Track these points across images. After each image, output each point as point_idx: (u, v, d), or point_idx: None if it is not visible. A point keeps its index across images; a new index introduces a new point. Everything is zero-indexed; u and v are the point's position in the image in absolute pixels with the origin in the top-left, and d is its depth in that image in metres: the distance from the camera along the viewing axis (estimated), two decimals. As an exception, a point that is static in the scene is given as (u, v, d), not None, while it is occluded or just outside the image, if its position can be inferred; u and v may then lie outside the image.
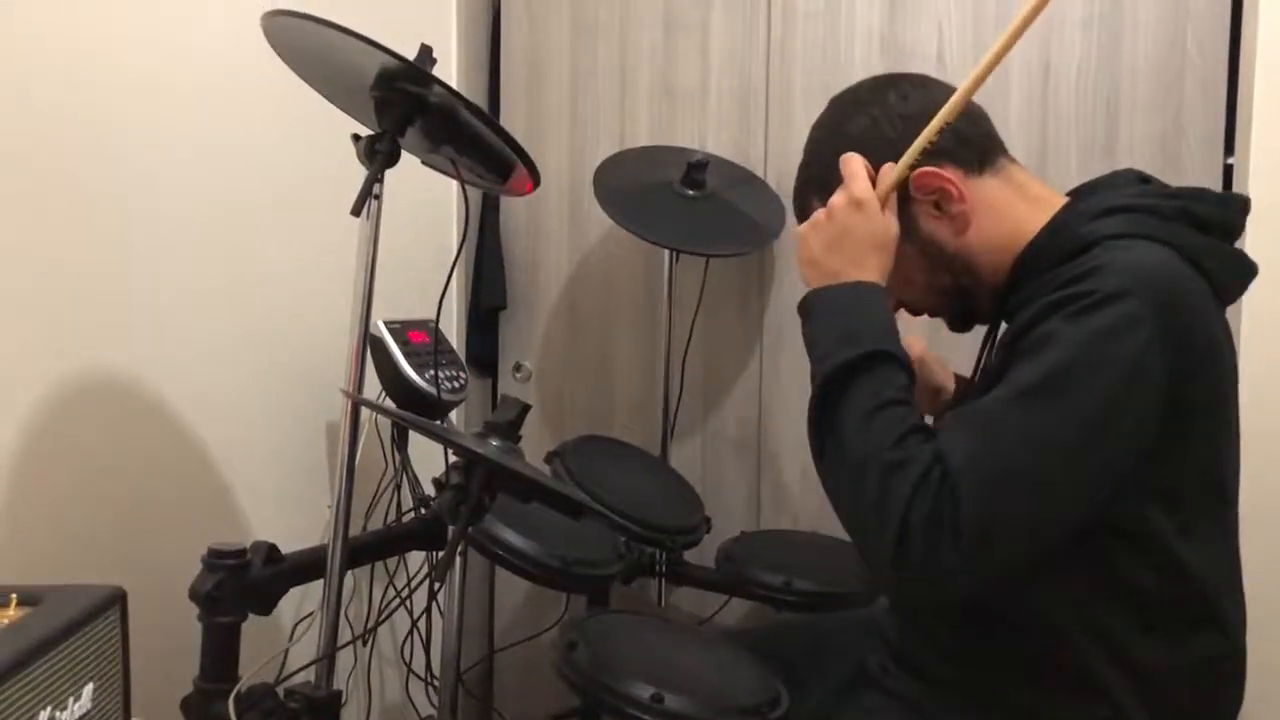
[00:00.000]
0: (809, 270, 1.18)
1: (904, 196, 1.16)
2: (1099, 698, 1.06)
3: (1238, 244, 1.14)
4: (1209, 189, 1.15)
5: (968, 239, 1.17)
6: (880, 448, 1.02)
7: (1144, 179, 1.18)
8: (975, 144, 1.17)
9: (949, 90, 1.15)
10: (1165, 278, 1.02)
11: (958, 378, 1.43)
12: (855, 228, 1.14)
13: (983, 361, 1.27)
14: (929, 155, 1.14)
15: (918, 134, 1.13)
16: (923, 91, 1.18)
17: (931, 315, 1.27)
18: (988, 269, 1.18)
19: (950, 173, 1.15)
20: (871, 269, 1.14)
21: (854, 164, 1.16)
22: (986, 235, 1.17)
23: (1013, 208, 1.17)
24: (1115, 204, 1.11)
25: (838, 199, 1.16)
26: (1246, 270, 1.14)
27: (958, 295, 1.21)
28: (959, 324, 1.28)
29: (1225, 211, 1.13)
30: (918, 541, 0.97)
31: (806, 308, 1.16)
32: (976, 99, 1.16)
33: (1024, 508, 0.98)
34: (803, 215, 1.25)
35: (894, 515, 0.98)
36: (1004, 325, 1.16)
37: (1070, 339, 0.99)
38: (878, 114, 1.18)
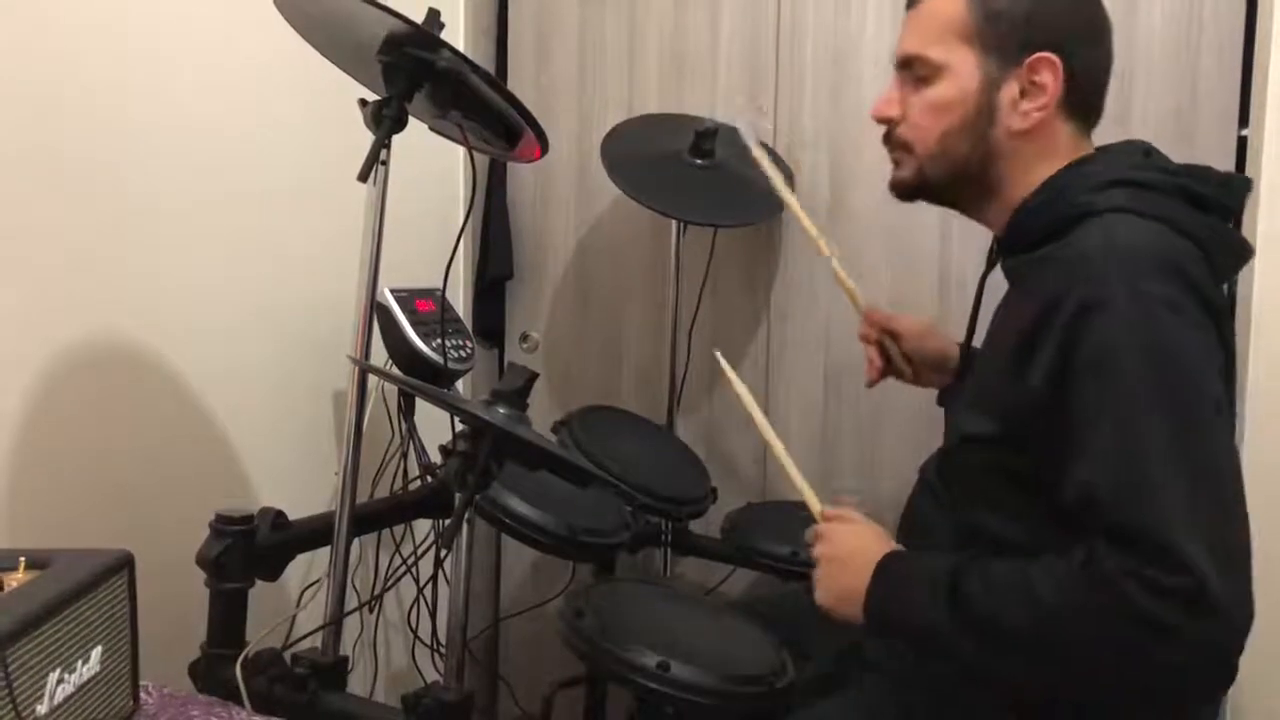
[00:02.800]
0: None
1: (1006, 56, 1.15)
2: None
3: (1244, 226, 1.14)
4: (1212, 168, 1.15)
5: (1012, 143, 1.17)
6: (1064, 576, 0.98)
7: (1147, 152, 1.17)
8: (1088, 94, 1.17)
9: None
10: (1166, 252, 1.03)
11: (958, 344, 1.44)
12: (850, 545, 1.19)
13: (974, 318, 1.29)
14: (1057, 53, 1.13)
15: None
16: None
17: (905, 153, 1.23)
18: (995, 186, 1.19)
19: (1055, 89, 1.14)
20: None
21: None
22: (1024, 160, 1.17)
23: (1058, 164, 1.16)
24: (1116, 177, 1.11)
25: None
26: (1242, 251, 1.14)
27: (950, 167, 1.19)
28: (912, 189, 1.24)
29: (1226, 191, 1.13)
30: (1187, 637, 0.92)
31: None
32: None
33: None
34: None
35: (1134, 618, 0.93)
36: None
37: (1130, 348, 0.99)
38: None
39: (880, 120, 1.24)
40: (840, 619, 1.15)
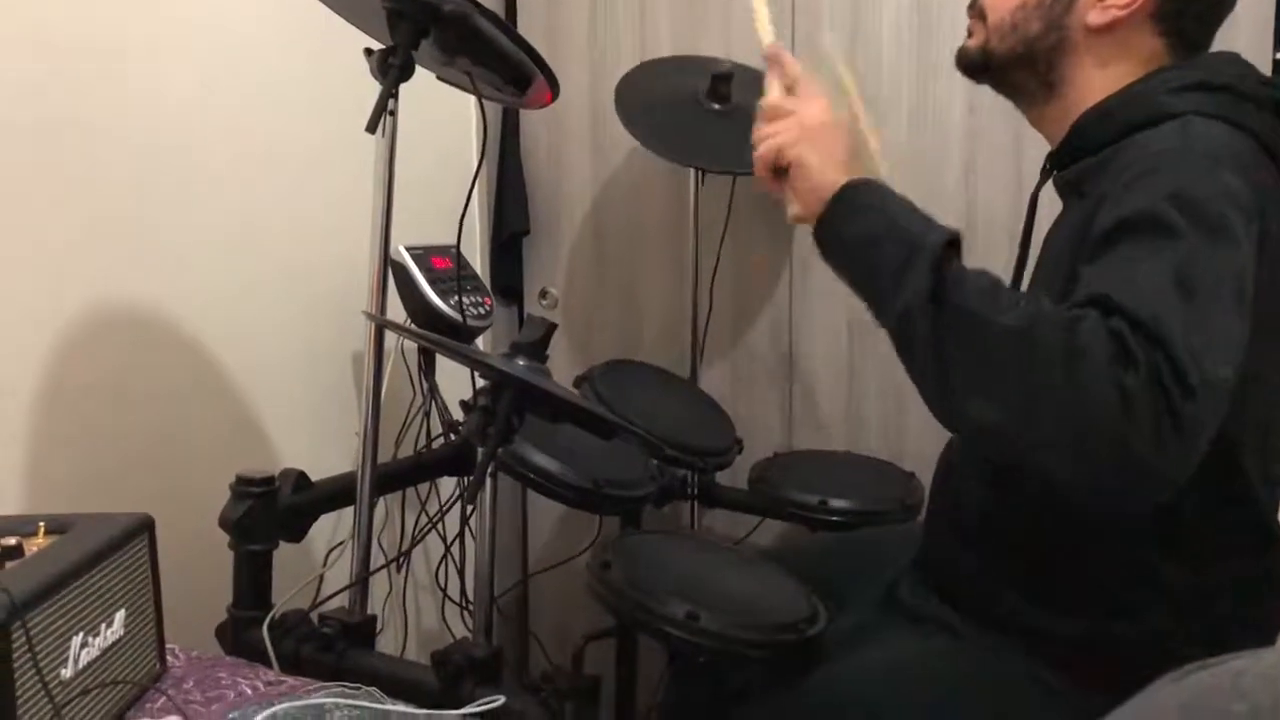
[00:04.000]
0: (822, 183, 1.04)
1: None
2: (1132, 617, 1.04)
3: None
4: None
5: (1087, 40, 1.10)
6: (1046, 310, 0.87)
7: (1236, 61, 1.10)
8: (1187, 14, 1.09)
9: None
10: (1246, 163, 0.96)
11: None
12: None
13: (1027, 238, 1.23)
14: None
15: None
16: None
17: (979, 21, 1.17)
18: (1060, 84, 1.12)
19: None
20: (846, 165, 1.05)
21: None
22: (1095, 62, 1.10)
23: (1134, 75, 1.09)
24: (1202, 79, 1.04)
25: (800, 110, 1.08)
26: None
27: (1018, 44, 1.13)
28: (977, 63, 1.17)
29: None
30: (1144, 409, 0.80)
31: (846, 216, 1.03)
32: None
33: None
34: None
35: (1103, 382, 0.81)
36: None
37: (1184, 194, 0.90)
38: None
39: None
40: (805, 205, 1.04)
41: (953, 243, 0.94)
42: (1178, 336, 0.82)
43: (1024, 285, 1.22)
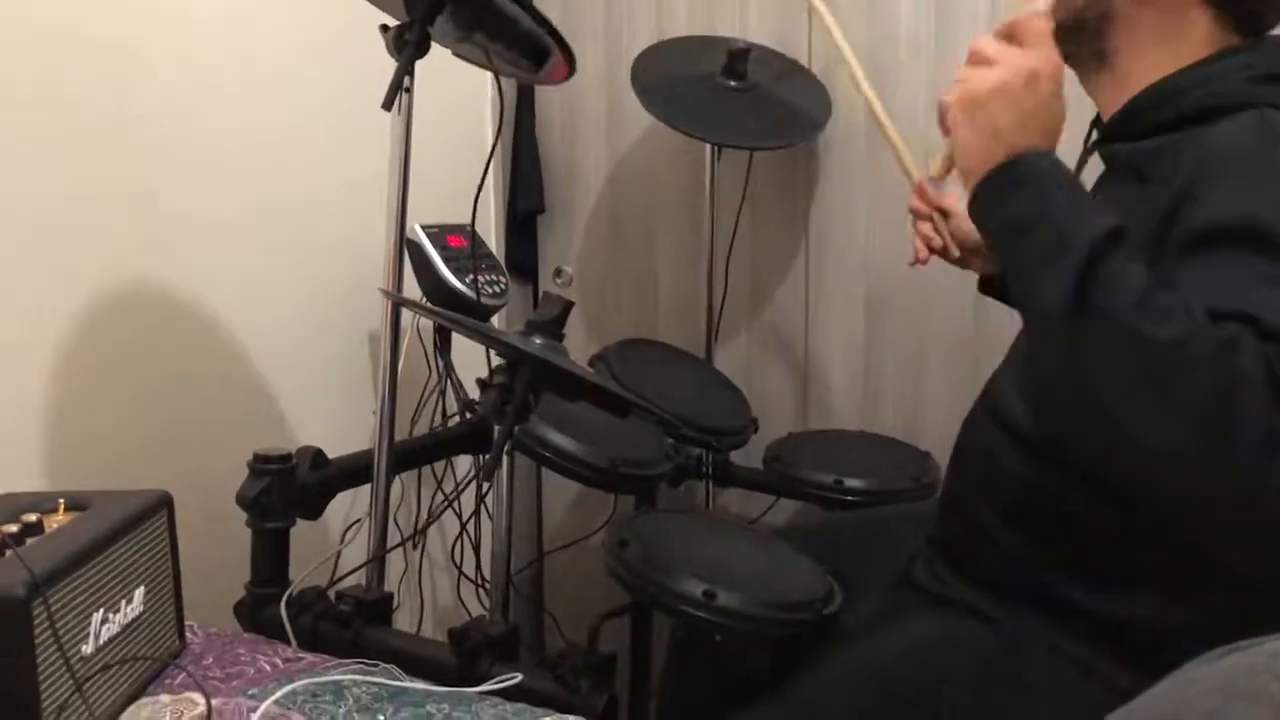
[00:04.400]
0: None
1: None
2: (1191, 600, 1.02)
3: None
4: None
5: (1133, 9, 1.05)
6: (1200, 324, 0.82)
7: None
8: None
9: None
10: None
11: None
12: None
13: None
14: None
15: None
16: None
17: None
18: (1111, 55, 1.08)
19: None
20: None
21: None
22: (1144, 34, 1.06)
23: (1195, 55, 1.04)
24: (1277, 71, 1.00)
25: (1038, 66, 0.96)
26: None
27: (1065, 13, 1.05)
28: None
29: None
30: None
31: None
32: None
33: None
34: None
35: (1258, 416, 0.78)
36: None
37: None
38: None
39: None
40: (978, 161, 0.95)
41: (1114, 235, 0.88)
42: None
43: None
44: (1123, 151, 1.09)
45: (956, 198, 1.39)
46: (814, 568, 1.28)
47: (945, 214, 1.41)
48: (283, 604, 1.27)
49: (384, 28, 1.28)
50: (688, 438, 1.75)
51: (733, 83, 1.90)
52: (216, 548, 1.34)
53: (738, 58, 1.88)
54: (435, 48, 1.31)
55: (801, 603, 1.19)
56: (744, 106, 1.90)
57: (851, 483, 1.71)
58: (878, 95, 1.38)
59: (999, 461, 1.14)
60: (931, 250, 1.42)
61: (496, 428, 1.16)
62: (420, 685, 1.07)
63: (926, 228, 1.42)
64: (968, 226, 1.38)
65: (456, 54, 1.42)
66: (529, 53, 1.31)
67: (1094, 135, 1.16)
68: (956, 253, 1.41)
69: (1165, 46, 1.06)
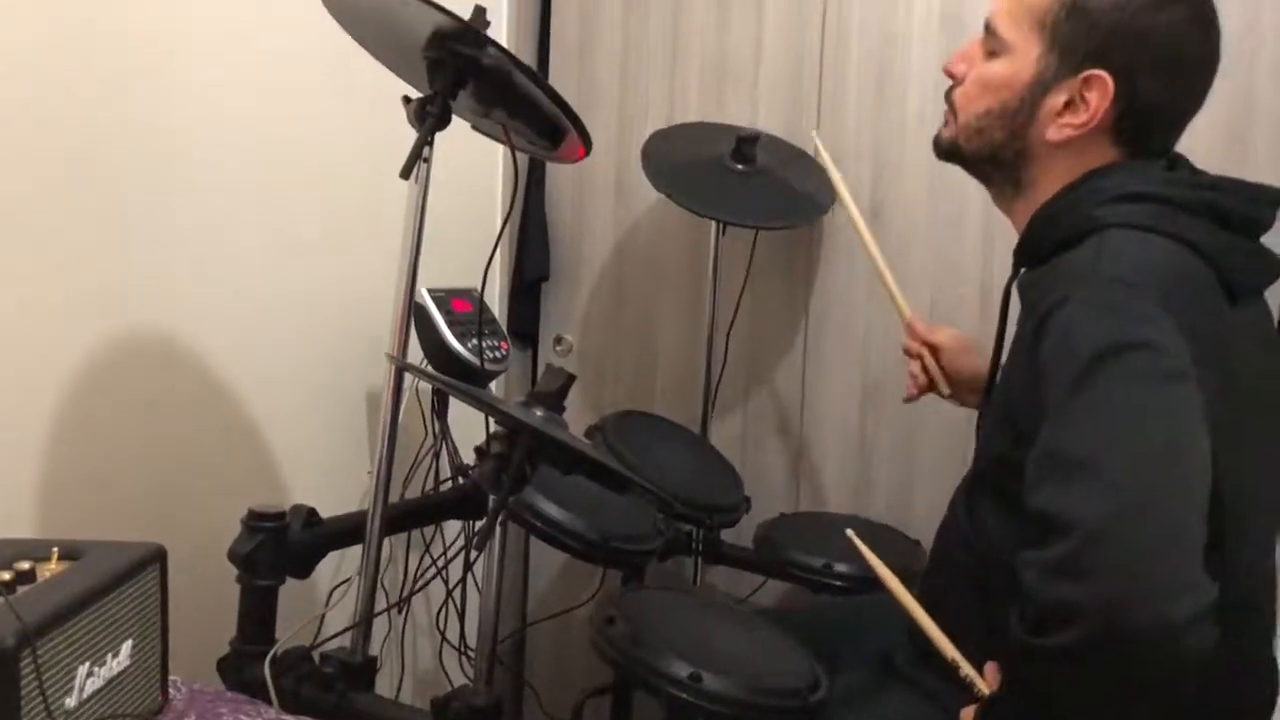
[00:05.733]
0: None
1: (1068, 60, 1.10)
2: None
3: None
4: (1245, 181, 1.11)
5: (1046, 151, 1.13)
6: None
7: (1173, 164, 1.14)
8: (1146, 128, 1.12)
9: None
10: (1165, 272, 1.00)
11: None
12: None
13: (1001, 335, 1.25)
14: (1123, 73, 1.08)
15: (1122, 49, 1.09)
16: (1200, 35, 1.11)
17: (951, 115, 1.21)
18: (1026, 186, 1.16)
19: (1098, 111, 1.09)
20: None
21: None
22: (1056, 172, 1.13)
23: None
24: (1131, 190, 1.07)
25: None
26: (1268, 268, 1.10)
27: (984, 148, 1.17)
28: (946, 152, 1.23)
29: (1254, 207, 1.09)
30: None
31: None
32: None
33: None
34: None
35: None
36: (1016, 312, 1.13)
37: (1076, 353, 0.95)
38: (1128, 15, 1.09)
39: (947, 74, 1.22)
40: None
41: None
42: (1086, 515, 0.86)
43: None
44: (1027, 278, 1.16)
45: (947, 334, 1.45)
46: (801, 654, 1.28)
47: (934, 350, 1.46)
48: (267, 663, 1.27)
49: (406, 99, 1.32)
50: (680, 513, 1.75)
51: (740, 165, 1.93)
52: (204, 602, 1.33)
53: (747, 143, 1.92)
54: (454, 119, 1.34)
55: (788, 689, 1.18)
56: (750, 188, 1.93)
57: (840, 568, 1.71)
58: (876, 240, 1.50)
59: (959, 572, 1.17)
60: (920, 389, 1.49)
61: (492, 497, 1.17)
62: (401, 755, 1.06)
63: (916, 366, 1.48)
64: (959, 362, 1.43)
65: (475, 128, 1.45)
66: (547, 132, 1.34)
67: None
68: (946, 390, 1.47)
69: (1073, 174, 1.13)
